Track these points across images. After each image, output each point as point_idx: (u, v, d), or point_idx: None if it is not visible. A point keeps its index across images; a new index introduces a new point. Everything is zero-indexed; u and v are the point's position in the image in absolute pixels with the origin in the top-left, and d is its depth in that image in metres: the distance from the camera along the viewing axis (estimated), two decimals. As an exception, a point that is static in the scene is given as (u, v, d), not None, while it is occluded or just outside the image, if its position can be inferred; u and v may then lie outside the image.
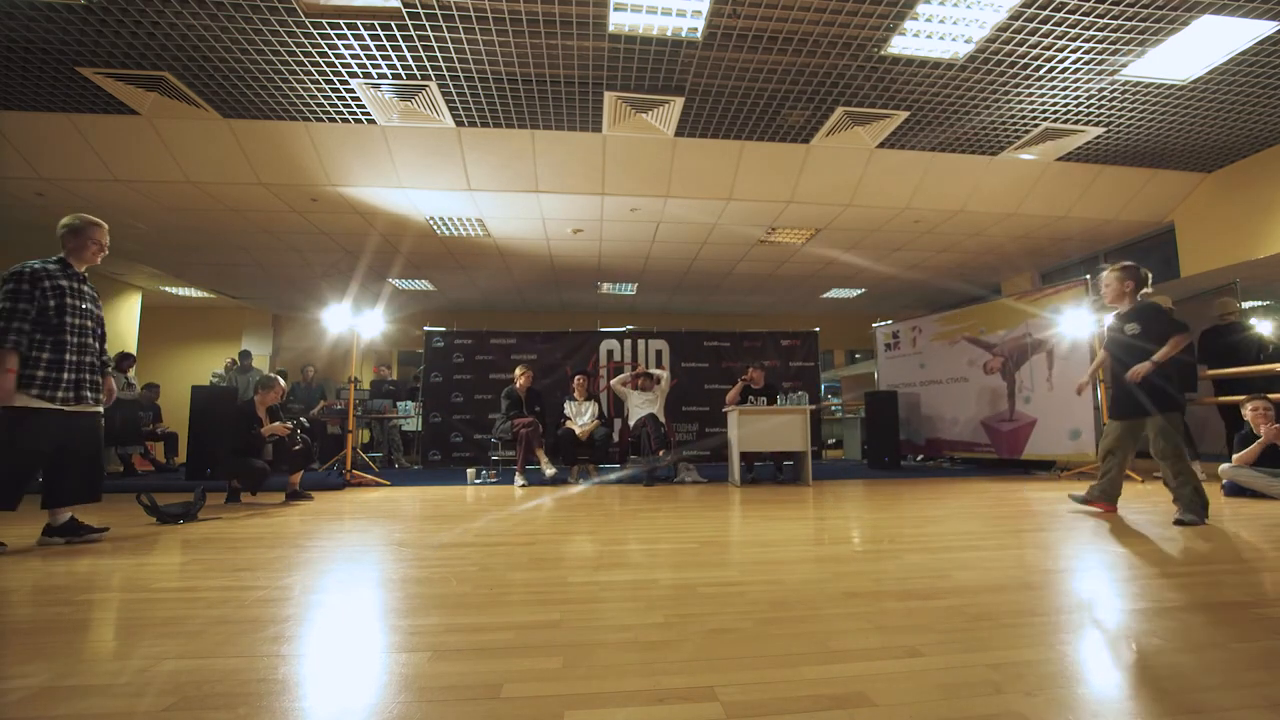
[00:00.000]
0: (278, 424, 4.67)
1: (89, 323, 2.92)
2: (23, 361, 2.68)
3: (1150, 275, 3.63)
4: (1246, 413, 4.46)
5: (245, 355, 8.97)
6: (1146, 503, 4.12)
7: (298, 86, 4.76)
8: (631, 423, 6.36)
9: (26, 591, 2.07)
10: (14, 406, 2.66)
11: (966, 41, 4.31)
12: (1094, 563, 2.36)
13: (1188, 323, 3.66)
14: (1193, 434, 5.69)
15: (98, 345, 2.99)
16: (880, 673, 1.30)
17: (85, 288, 2.95)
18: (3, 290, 2.67)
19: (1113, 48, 4.38)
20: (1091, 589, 2.00)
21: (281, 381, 4.92)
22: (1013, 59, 4.53)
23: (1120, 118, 5.40)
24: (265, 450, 4.63)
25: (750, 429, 5.71)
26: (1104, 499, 3.66)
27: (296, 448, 4.72)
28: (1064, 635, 1.53)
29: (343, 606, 1.85)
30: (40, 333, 2.72)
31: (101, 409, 3.01)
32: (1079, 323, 6.20)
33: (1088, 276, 6.51)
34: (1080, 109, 5.23)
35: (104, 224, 3.00)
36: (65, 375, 2.78)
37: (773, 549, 2.68)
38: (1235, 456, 4.44)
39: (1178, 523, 3.20)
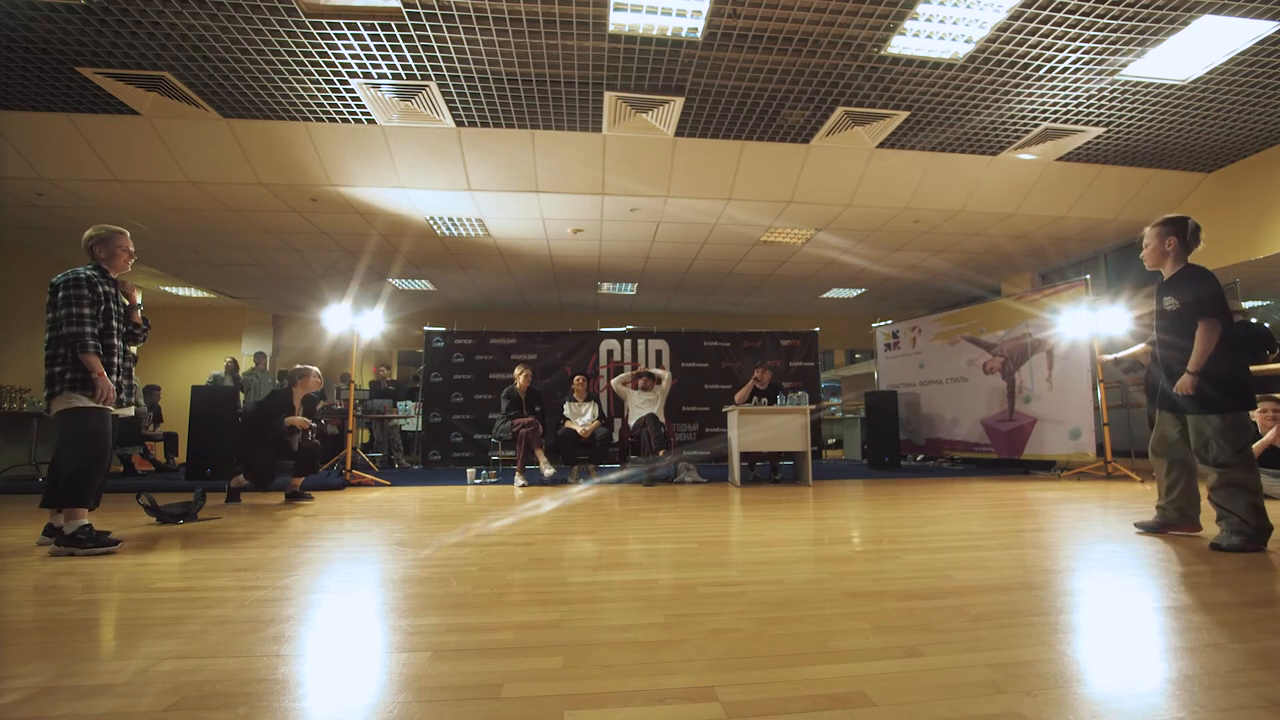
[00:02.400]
0: (299, 418, 4.70)
1: (124, 327, 3.00)
2: (76, 364, 2.74)
3: (1200, 229, 2.75)
4: (1254, 412, 4.45)
5: (260, 357, 9.02)
6: (1145, 503, 4.12)
7: (298, 86, 4.76)
8: (631, 423, 6.36)
9: (26, 591, 2.07)
10: (76, 408, 2.74)
11: (966, 41, 4.31)
12: (1094, 563, 2.36)
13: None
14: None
15: (127, 347, 3.06)
16: (880, 673, 1.30)
17: (119, 294, 3.02)
18: (63, 296, 2.74)
19: (1113, 48, 4.38)
20: (1091, 589, 2.00)
21: (316, 371, 4.96)
22: (1013, 59, 4.53)
23: (1120, 118, 5.40)
24: (292, 441, 4.69)
25: (750, 429, 5.71)
26: (1186, 521, 2.85)
27: (300, 447, 4.73)
28: (1064, 635, 1.53)
29: (343, 606, 1.85)
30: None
31: (130, 411, 3.06)
32: (1079, 323, 6.20)
33: (1088, 276, 6.51)
34: (1080, 109, 5.23)
35: (127, 231, 3.07)
36: (111, 378, 2.86)
37: (773, 549, 2.68)
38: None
39: (1215, 547, 2.53)
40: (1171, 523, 2.87)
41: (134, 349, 3.10)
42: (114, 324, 2.89)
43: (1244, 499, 2.52)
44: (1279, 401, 4.40)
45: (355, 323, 6.30)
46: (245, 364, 9.59)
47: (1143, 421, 7.57)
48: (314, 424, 4.80)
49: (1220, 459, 2.58)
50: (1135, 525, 3.02)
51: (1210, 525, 2.77)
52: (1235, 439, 2.58)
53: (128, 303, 3.07)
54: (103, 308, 2.84)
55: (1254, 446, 4.27)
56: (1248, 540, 2.49)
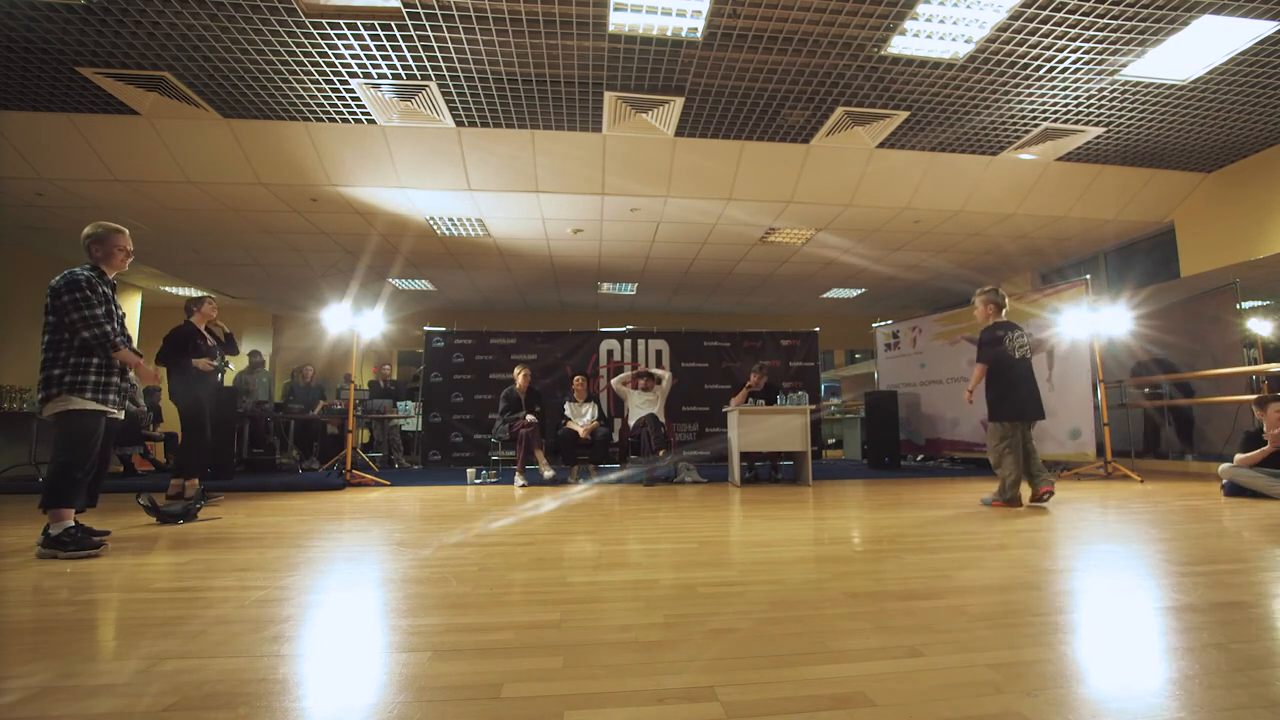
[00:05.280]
0: (203, 361, 4.52)
1: (120, 328, 2.98)
2: (75, 367, 2.73)
3: (1006, 298, 4.31)
4: (1261, 414, 4.47)
5: (255, 354, 8.91)
6: (1146, 502, 4.12)
7: (298, 86, 4.76)
8: (631, 423, 6.36)
9: (26, 591, 2.07)
10: (72, 410, 2.72)
11: (966, 41, 4.31)
12: (1094, 563, 2.36)
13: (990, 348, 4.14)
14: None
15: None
16: (880, 673, 1.30)
17: (115, 295, 3.01)
18: (70, 298, 2.72)
19: (1113, 48, 4.38)
20: (1091, 589, 2.00)
21: (212, 298, 4.90)
22: (1013, 59, 4.52)
23: (1120, 118, 5.40)
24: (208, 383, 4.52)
25: (750, 429, 5.71)
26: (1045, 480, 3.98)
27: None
28: (1064, 635, 1.53)
29: (343, 606, 1.85)
30: None
31: (122, 414, 3.04)
32: (1079, 323, 6.20)
33: (1088, 276, 6.52)
34: (1080, 109, 5.23)
35: (125, 230, 3.05)
36: (112, 380, 2.85)
37: (773, 549, 2.68)
38: (1238, 457, 4.44)
39: (983, 502, 4.12)
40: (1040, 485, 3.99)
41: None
42: (113, 325, 2.87)
43: (1004, 475, 4.00)
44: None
45: (355, 323, 6.30)
46: (240, 363, 9.42)
47: (1143, 422, 7.57)
48: (214, 364, 4.54)
49: (991, 448, 4.14)
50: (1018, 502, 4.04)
51: (1075, 494, 4.39)
52: (992, 434, 4.15)
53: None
54: (103, 309, 2.82)
55: (1256, 452, 4.32)
56: (998, 498, 4.02)
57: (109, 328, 2.74)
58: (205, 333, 4.77)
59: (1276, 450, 4.29)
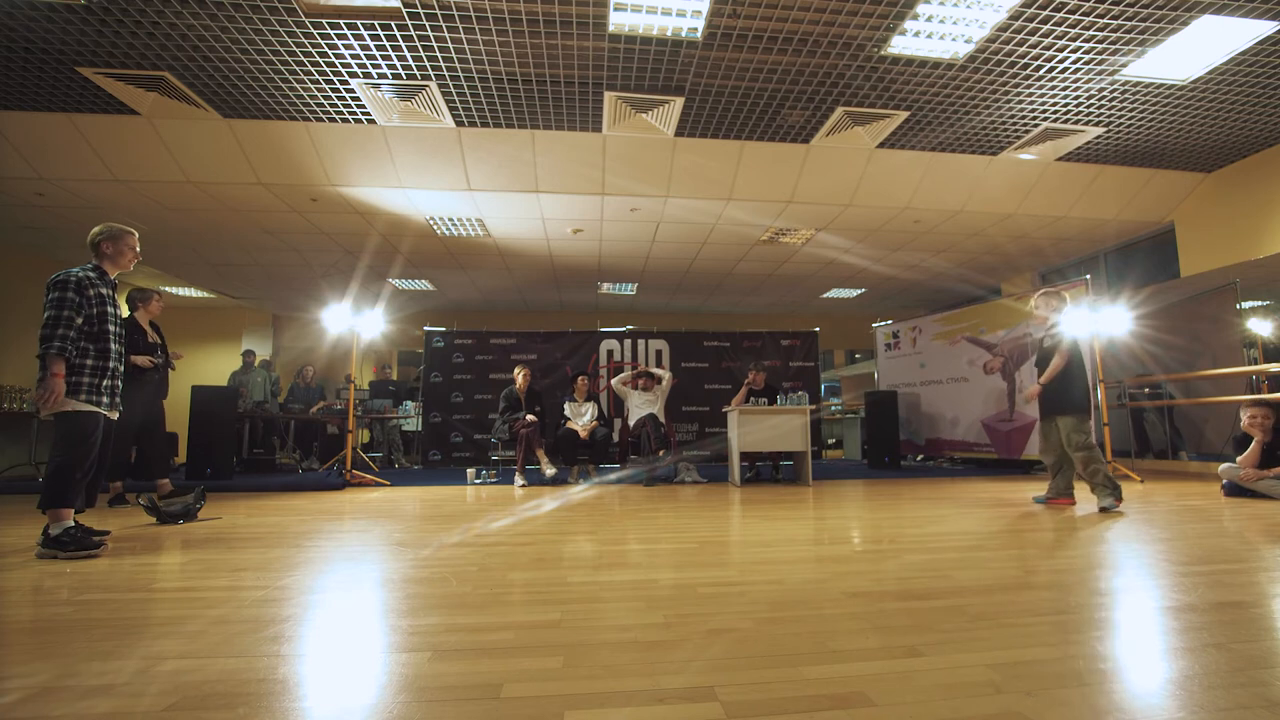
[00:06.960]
0: (143, 357, 4.26)
1: (120, 329, 2.98)
2: (71, 368, 2.73)
3: (1067, 300, 4.35)
4: (1244, 420, 4.50)
5: (248, 354, 8.84)
6: (1146, 502, 4.12)
7: (298, 86, 4.76)
8: (631, 423, 6.36)
9: (26, 591, 2.07)
10: (68, 411, 2.71)
11: (966, 41, 4.31)
12: (1094, 563, 2.36)
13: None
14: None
15: (123, 350, 3.05)
16: (880, 673, 1.30)
17: (115, 295, 3.00)
18: (51, 296, 2.71)
19: (1113, 48, 4.38)
20: (1091, 589, 2.00)
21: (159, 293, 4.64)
22: (1013, 59, 4.52)
23: (1120, 118, 5.40)
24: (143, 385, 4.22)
25: (750, 429, 5.71)
26: (1067, 494, 4.08)
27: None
28: (1064, 635, 1.53)
29: (343, 606, 1.85)
30: (86, 340, 2.78)
31: (116, 415, 3.03)
32: (1079, 323, 6.18)
33: (1088, 276, 6.52)
34: (1080, 109, 5.23)
35: (135, 232, 3.06)
36: (106, 381, 2.85)
37: (773, 549, 2.68)
38: (1239, 458, 4.46)
39: (1103, 510, 3.67)
40: (1057, 495, 4.07)
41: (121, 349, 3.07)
42: (110, 326, 2.86)
43: (1101, 470, 3.77)
44: (1263, 406, 4.43)
45: (355, 323, 6.30)
46: (235, 363, 9.38)
47: (1142, 422, 7.58)
48: (155, 360, 4.31)
49: (1080, 444, 3.85)
50: (1035, 499, 4.19)
51: (1075, 494, 4.15)
52: (1075, 430, 3.90)
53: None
54: (97, 310, 2.80)
55: (1247, 455, 4.34)
56: (1118, 498, 3.69)
57: (59, 331, 2.63)
58: (150, 329, 4.56)
59: (1269, 446, 4.31)
